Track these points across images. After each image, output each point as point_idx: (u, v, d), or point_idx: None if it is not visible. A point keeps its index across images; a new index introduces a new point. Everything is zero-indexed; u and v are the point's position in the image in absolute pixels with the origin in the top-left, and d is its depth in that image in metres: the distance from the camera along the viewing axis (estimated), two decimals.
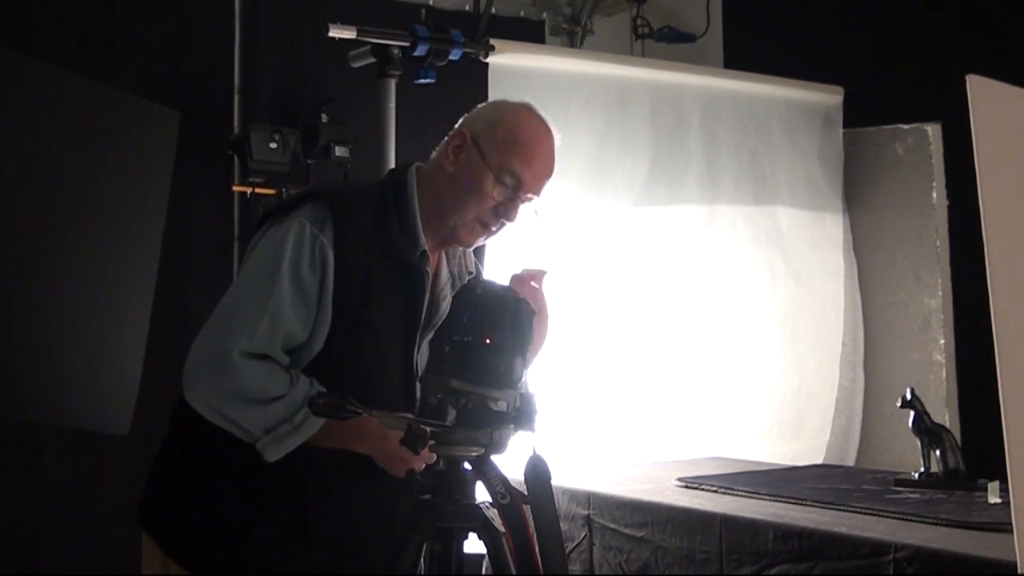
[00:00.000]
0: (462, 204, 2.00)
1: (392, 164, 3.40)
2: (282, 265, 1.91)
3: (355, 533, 2.02)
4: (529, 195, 2.02)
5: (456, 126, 2.10)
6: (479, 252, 2.21)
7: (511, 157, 1.99)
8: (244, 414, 1.88)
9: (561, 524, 2.30)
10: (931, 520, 2.34)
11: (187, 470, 2.00)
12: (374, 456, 1.95)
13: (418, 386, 2.05)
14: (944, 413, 4.01)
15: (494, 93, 3.55)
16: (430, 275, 2.04)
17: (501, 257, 3.46)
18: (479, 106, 2.15)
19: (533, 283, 2.11)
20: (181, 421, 2.02)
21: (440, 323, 2.07)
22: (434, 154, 2.10)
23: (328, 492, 1.98)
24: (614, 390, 3.79)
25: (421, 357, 2.07)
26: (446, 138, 2.09)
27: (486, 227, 2.03)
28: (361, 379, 1.97)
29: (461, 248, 2.12)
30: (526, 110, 2.07)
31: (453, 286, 2.10)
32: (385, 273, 1.98)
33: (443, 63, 3.49)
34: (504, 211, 2.01)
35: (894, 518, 2.39)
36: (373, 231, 1.98)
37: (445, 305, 2.07)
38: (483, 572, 1.99)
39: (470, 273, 2.13)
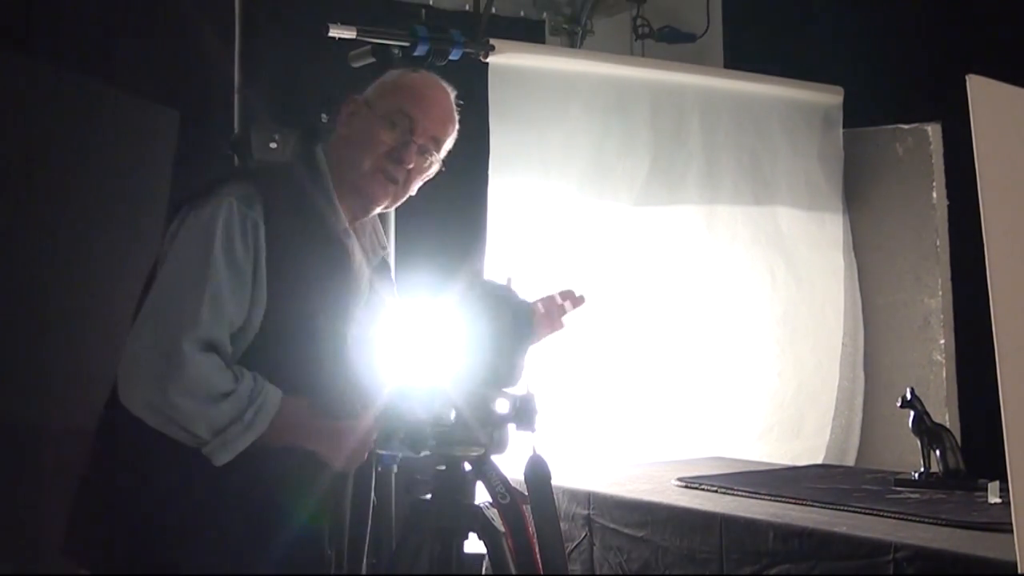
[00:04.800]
0: (358, 157, 2.01)
1: None
2: (214, 247, 1.85)
3: (307, 526, 1.96)
4: (423, 140, 2.02)
5: None
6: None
7: (398, 99, 2.03)
8: (191, 414, 1.80)
9: (561, 524, 2.30)
10: (931, 520, 2.34)
11: (122, 488, 1.90)
12: (326, 455, 1.91)
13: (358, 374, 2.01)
14: (944, 413, 4.00)
15: (494, 93, 3.55)
16: (355, 252, 2.03)
17: (501, 258, 3.48)
18: None
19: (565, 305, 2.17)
20: (110, 436, 1.93)
21: (367, 303, 2.05)
22: None
23: (278, 489, 1.91)
24: (614, 390, 3.78)
25: (359, 342, 2.04)
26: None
27: (387, 175, 2.02)
28: (301, 364, 1.93)
29: (371, 221, 2.11)
30: (414, 69, 2.13)
31: (368, 262, 2.09)
32: (312, 254, 1.95)
33: (443, 63, 3.48)
34: (399, 155, 2.00)
35: (894, 518, 2.39)
36: (297, 211, 1.95)
37: (365, 284, 2.06)
38: (483, 572, 1.99)
39: (383, 248, 2.13)
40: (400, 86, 2.06)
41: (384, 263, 2.16)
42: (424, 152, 2.04)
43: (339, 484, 2.01)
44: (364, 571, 2.08)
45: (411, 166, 2.02)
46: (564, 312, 2.18)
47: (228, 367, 1.85)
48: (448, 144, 2.10)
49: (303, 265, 1.93)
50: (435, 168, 2.09)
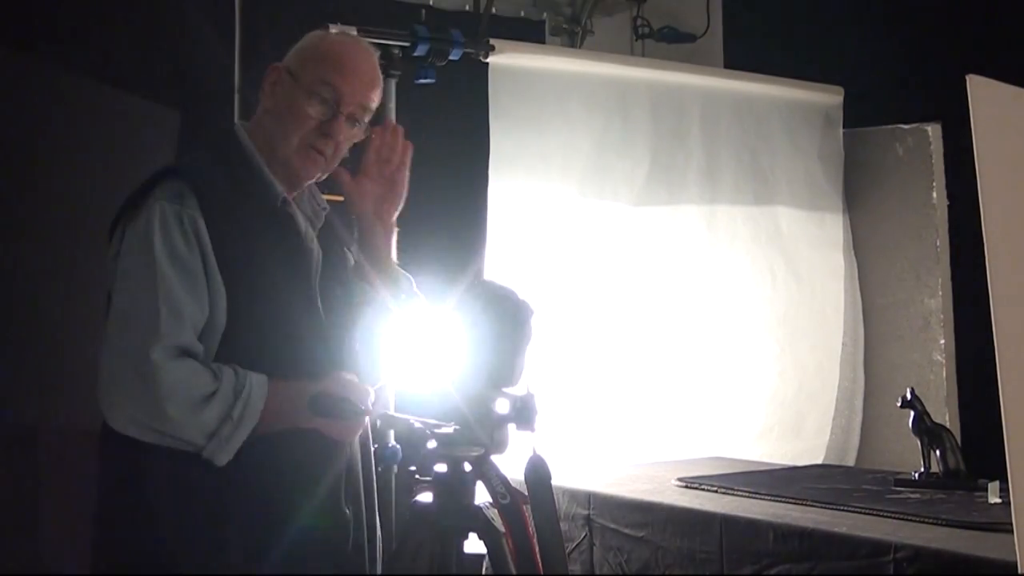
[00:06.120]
0: (285, 132, 1.97)
1: None
2: (155, 253, 1.81)
3: (325, 496, 1.97)
4: (351, 109, 1.99)
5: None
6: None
7: (322, 70, 1.97)
8: (179, 424, 1.78)
9: (561, 524, 2.31)
10: (931, 520, 2.34)
11: (139, 507, 1.86)
12: (325, 428, 1.90)
13: (343, 341, 1.99)
14: (944, 413, 4.01)
15: (494, 93, 3.55)
16: (299, 221, 2.00)
17: (501, 258, 3.48)
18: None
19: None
20: (114, 459, 1.89)
21: (321, 268, 2.02)
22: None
23: (289, 469, 1.89)
24: (614, 390, 3.79)
25: (329, 307, 2.01)
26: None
27: (316, 150, 1.99)
28: (276, 345, 1.90)
29: (307, 187, 2.08)
30: (336, 34, 2.08)
31: (313, 226, 2.06)
32: (257, 232, 1.92)
33: (443, 63, 3.49)
34: (328, 128, 1.97)
35: (894, 518, 2.39)
36: (231, 193, 1.92)
37: (316, 248, 2.03)
38: (483, 572, 1.99)
39: (324, 208, 2.09)
40: (323, 55, 2.00)
41: (328, 224, 2.12)
42: (352, 121, 2.01)
43: (346, 449, 2.00)
44: (376, 526, 2.07)
45: (341, 139, 2.00)
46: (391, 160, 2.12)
47: (206, 367, 1.82)
48: (374, 106, 2.06)
49: (251, 246, 1.90)
50: (362, 132, 2.06)
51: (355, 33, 3.38)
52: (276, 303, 1.92)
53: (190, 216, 1.85)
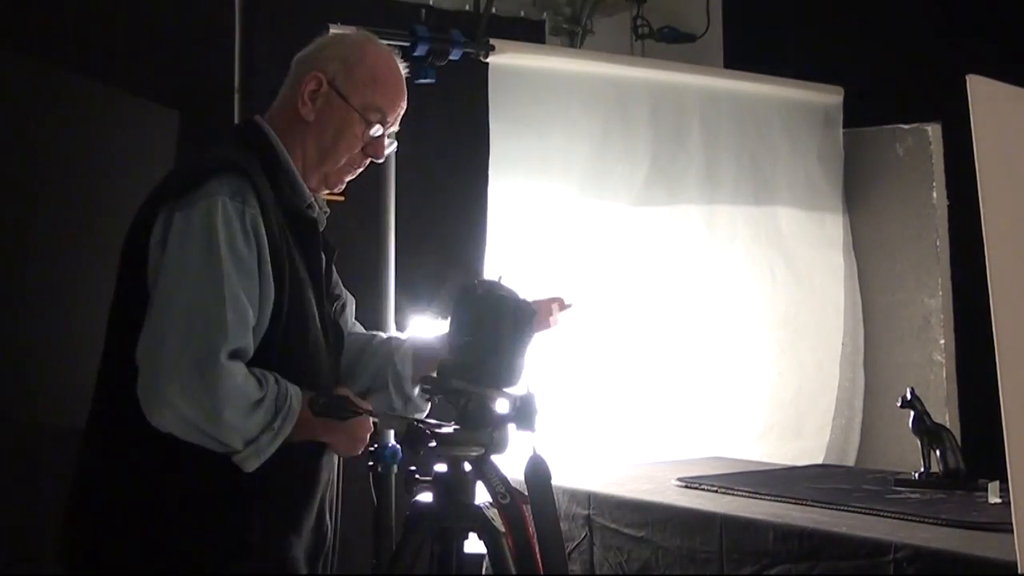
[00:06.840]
0: (333, 151, 1.97)
1: (392, 164, 3.40)
2: (220, 250, 1.76)
3: (320, 510, 1.99)
4: (392, 128, 2.03)
5: (299, 66, 2.04)
6: None
7: (376, 95, 1.98)
8: (231, 427, 1.74)
9: (561, 524, 2.30)
10: (931, 520, 2.34)
11: (133, 493, 1.83)
12: (336, 442, 1.91)
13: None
14: (944, 413, 4.00)
15: (494, 93, 3.55)
16: (318, 224, 2.00)
17: (501, 258, 3.48)
18: (318, 42, 2.08)
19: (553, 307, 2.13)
20: (123, 445, 1.86)
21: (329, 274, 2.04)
22: (279, 100, 2.04)
23: (290, 476, 1.89)
24: (614, 390, 3.79)
25: (329, 316, 2.01)
26: (289, 81, 2.03)
27: (355, 168, 2.02)
28: (296, 352, 1.89)
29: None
30: (372, 43, 2.06)
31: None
32: (292, 235, 1.90)
33: (443, 63, 3.49)
34: (373, 150, 1.99)
35: (894, 518, 2.39)
36: (274, 194, 1.89)
37: (322, 254, 2.03)
38: (483, 572, 1.99)
39: (325, 212, 2.07)
40: (373, 79, 1.99)
41: (327, 226, 2.11)
42: (389, 133, 2.04)
43: (332, 461, 2.02)
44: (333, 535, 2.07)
45: (381, 160, 2.03)
46: (552, 313, 2.16)
47: (251, 373, 1.79)
48: None
49: (290, 250, 1.89)
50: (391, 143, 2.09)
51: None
52: (302, 309, 1.91)
53: (252, 215, 1.81)
